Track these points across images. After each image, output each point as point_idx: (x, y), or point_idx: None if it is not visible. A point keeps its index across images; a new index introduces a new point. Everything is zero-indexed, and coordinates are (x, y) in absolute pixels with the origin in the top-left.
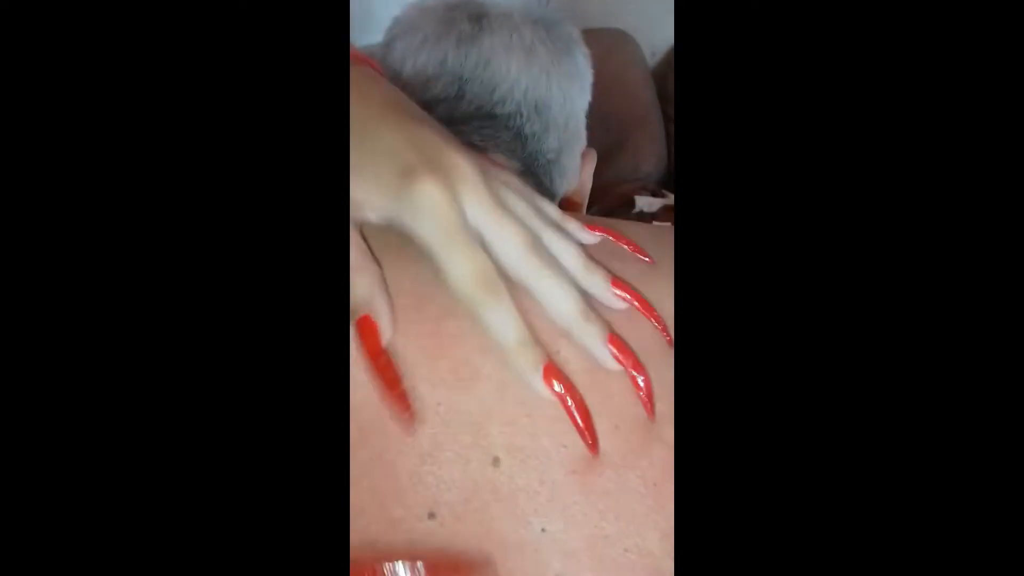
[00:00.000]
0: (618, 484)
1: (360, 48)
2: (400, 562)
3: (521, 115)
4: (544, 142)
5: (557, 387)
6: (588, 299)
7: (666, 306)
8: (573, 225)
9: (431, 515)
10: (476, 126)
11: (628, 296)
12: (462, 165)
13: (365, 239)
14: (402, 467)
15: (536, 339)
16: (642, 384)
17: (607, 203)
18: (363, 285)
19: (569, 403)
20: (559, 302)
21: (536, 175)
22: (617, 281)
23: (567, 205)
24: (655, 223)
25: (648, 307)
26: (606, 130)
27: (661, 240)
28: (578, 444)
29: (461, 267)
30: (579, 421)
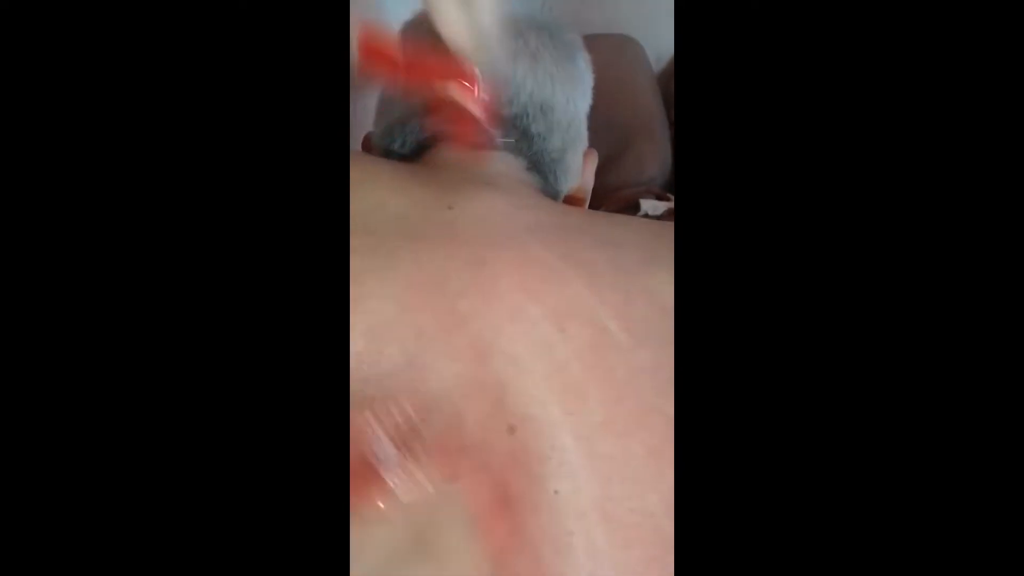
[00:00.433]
0: (622, 450)
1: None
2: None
3: (527, 116)
4: (548, 142)
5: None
6: None
7: (664, 293)
8: None
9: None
10: None
11: None
12: None
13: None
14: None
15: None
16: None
17: (611, 206)
18: None
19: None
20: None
21: (541, 172)
22: None
23: (571, 202)
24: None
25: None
26: (610, 134)
27: (661, 235)
28: (584, 412)
29: None
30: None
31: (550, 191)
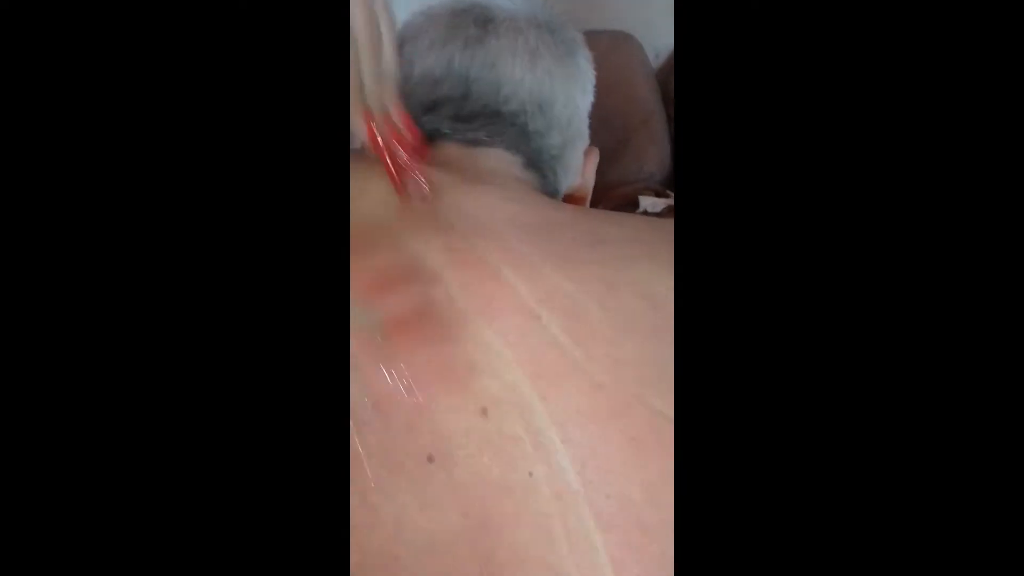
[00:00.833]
0: (599, 438)
1: None
2: None
3: (526, 112)
4: (547, 139)
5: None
6: None
7: (652, 285)
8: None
9: (430, 458)
10: (483, 123)
11: None
12: None
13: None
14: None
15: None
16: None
17: (610, 203)
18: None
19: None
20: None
21: (540, 170)
22: None
23: (571, 200)
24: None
25: None
26: (609, 131)
27: (652, 231)
28: (558, 398)
29: None
30: (391, 169)
31: (549, 189)
